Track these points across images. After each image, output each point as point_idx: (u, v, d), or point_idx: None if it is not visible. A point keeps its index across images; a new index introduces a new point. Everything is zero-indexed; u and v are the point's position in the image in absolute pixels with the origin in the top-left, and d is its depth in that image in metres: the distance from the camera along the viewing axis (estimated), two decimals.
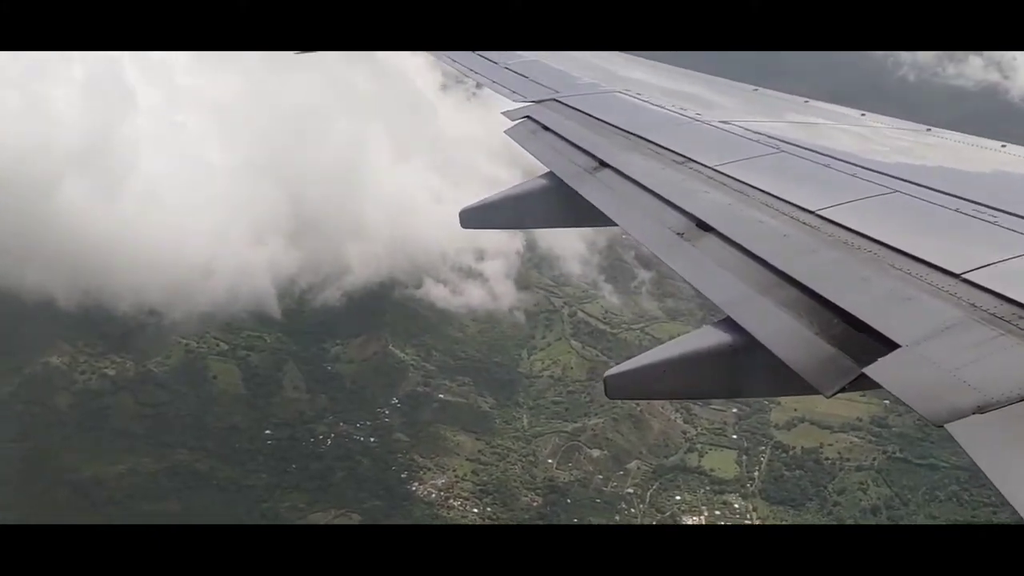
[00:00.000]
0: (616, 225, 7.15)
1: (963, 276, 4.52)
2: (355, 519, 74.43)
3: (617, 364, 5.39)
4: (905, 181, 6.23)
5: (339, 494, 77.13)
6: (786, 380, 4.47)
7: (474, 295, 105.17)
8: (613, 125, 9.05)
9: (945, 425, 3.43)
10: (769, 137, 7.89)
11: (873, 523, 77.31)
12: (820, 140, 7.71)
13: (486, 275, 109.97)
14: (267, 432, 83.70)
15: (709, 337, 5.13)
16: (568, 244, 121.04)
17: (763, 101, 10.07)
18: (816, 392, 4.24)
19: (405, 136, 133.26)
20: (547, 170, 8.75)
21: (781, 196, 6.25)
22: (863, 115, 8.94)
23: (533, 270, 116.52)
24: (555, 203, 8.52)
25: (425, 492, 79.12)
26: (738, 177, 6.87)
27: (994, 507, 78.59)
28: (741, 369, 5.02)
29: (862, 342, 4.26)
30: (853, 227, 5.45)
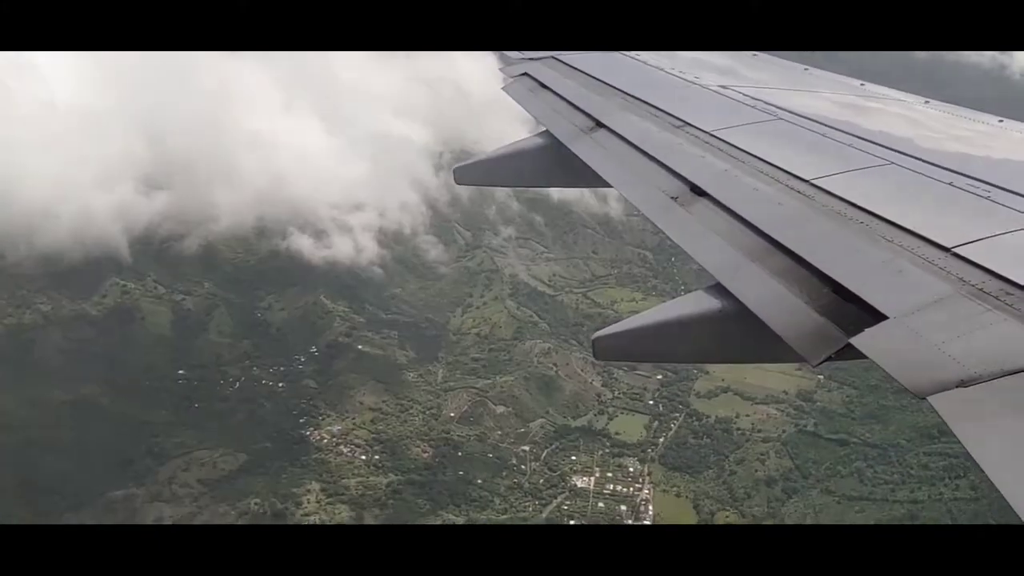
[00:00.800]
0: (610, 186, 7.16)
1: (953, 250, 4.51)
2: (240, 458, 76.47)
3: (607, 328, 5.32)
4: (901, 153, 6.20)
5: (232, 435, 79.07)
6: (773, 347, 4.51)
7: (343, 248, 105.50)
8: (611, 85, 8.98)
9: (927, 397, 3.47)
10: (767, 104, 7.83)
11: (798, 522, 75.81)
12: (818, 109, 7.67)
13: (365, 228, 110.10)
14: (180, 372, 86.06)
15: (699, 302, 5.16)
16: (538, 203, 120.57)
17: (763, 67, 9.94)
18: (803, 360, 4.29)
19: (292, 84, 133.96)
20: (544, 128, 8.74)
21: (776, 164, 6.24)
22: (863, 85, 8.88)
23: (488, 231, 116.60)
24: (550, 162, 8.54)
25: (318, 438, 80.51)
26: (734, 143, 6.85)
27: (893, 485, 76.58)
28: (729, 335, 5.05)
29: (850, 312, 4.29)
30: (847, 197, 5.45)
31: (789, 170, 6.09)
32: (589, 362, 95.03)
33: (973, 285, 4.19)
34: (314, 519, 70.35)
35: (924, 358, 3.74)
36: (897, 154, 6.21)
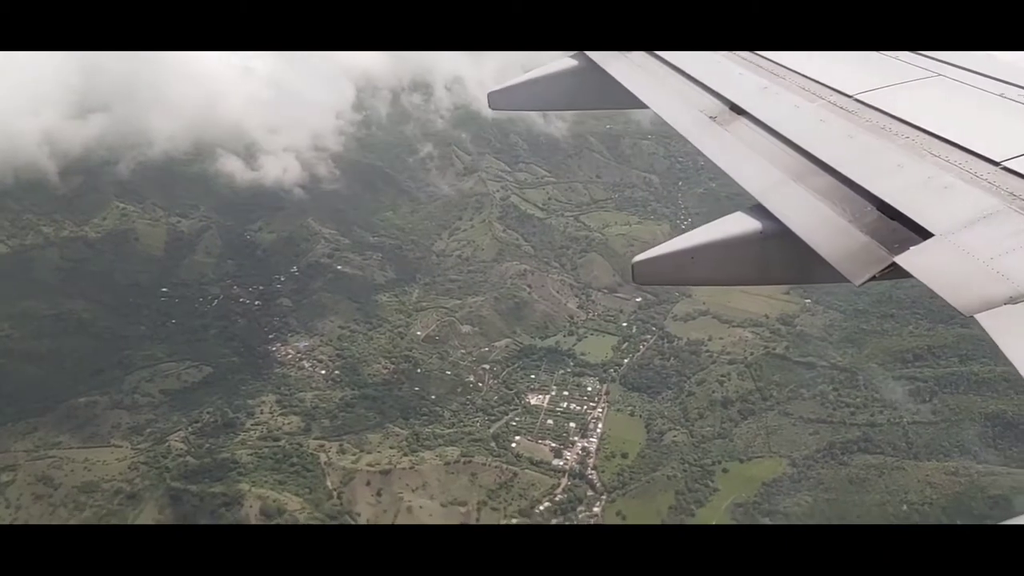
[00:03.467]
0: (646, 107, 7.01)
1: (1003, 164, 4.37)
2: (205, 371, 79.63)
3: (647, 251, 5.32)
4: (948, 64, 5.93)
5: (202, 348, 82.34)
6: (816, 268, 4.49)
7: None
8: None
9: (975, 315, 3.42)
10: None
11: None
12: None
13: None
14: (163, 290, 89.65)
15: (739, 223, 5.10)
16: (546, 126, 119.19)
17: None
18: (845, 280, 4.25)
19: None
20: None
21: (818, 79, 6.08)
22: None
23: (488, 154, 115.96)
24: (585, 84, 8.43)
25: (283, 353, 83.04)
26: (774, 59, 6.64)
27: (854, 408, 74.31)
28: (770, 256, 5.02)
29: (895, 230, 4.23)
30: (891, 112, 5.31)
31: (831, 85, 5.91)
32: (567, 284, 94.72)
33: None
34: (263, 428, 72.81)
35: (972, 275, 3.65)
36: (945, 65, 5.92)
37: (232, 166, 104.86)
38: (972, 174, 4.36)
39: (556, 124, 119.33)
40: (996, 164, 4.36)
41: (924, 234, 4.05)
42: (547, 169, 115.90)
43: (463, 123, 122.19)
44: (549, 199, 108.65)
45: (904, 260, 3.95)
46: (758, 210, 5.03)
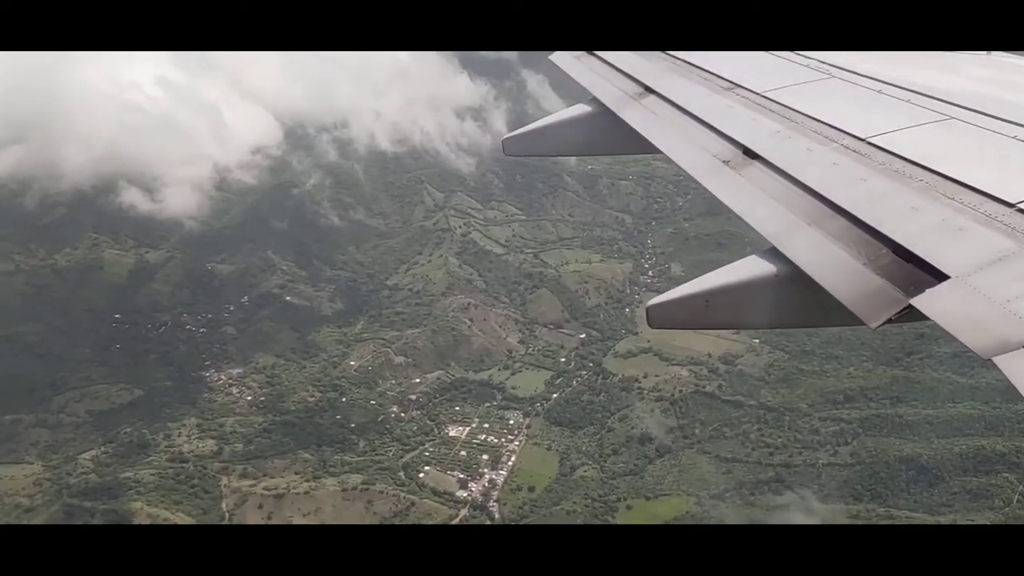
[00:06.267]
0: (659, 152, 7.02)
1: (1018, 206, 4.37)
2: (135, 393, 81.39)
3: (661, 295, 5.30)
4: (962, 107, 5.95)
5: (138, 372, 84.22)
6: (831, 311, 4.47)
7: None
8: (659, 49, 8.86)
9: (993, 358, 3.40)
10: (820, 62, 7.66)
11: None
12: (873, 64, 7.37)
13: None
14: (116, 316, 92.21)
15: (753, 267, 5.09)
16: (525, 164, 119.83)
17: None
18: (861, 323, 4.21)
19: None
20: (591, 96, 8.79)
21: (831, 123, 6.10)
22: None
23: (460, 192, 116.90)
24: (599, 130, 8.51)
25: (215, 379, 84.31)
26: (787, 103, 6.71)
27: (773, 449, 72.00)
28: (785, 299, 4.98)
29: (910, 273, 4.21)
30: (905, 155, 5.31)
31: (844, 128, 5.94)
32: (511, 319, 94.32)
33: None
34: (177, 450, 73.84)
35: (988, 318, 3.63)
36: (958, 108, 5.93)
37: (185, 200, 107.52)
38: (987, 216, 4.34)
39: (533, 162, 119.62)
40: (1011, 206, 4.34)
41: (940, 276, 4.00)
42: (519, 207, 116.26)
43: (438, 162, 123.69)
44: (513, 236, 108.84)
45: (920, 302, 3.89)
46: (772, 253, 5.00)
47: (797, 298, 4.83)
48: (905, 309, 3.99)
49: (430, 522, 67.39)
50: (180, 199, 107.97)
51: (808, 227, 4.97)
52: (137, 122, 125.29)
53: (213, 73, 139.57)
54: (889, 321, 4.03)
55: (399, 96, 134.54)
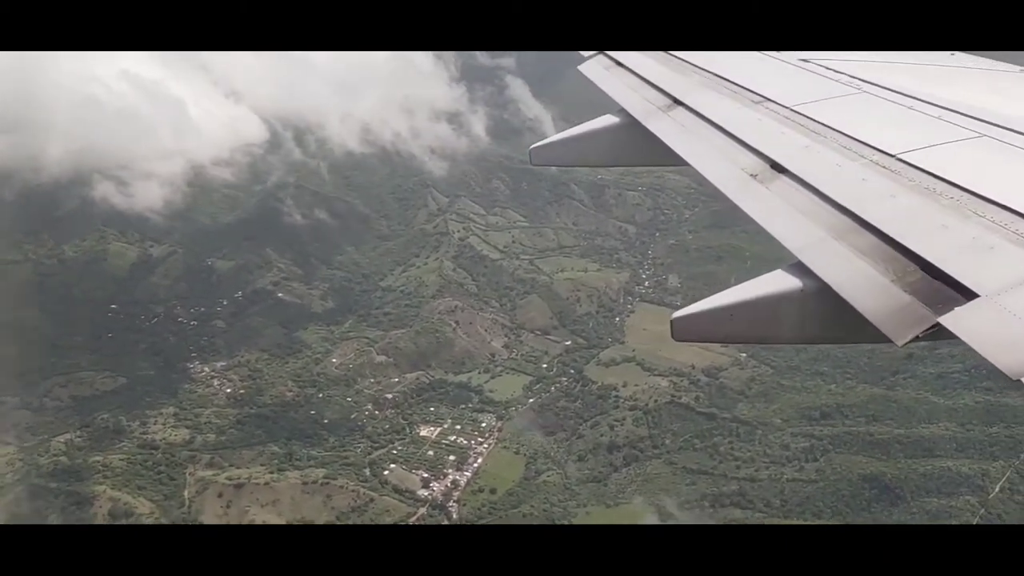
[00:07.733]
0: (686, 164, 7.03)
1: None
2: (119, 381, 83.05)
3: (686, 308, 5.21)
4: (993, 125, 5.90)
5: (125, 361, 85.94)
6: (858, 328, 4.44)
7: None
8: (688, 62, 8.89)
9: (1022, 378, 3.37)
10: (850, 76, 7.61)
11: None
12: (904, 80, 7.28)
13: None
14: (112, 307, 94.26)
15: (779, 282, 5.05)
16: (534, 172, 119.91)
17: None
18: (888, 340, 4.16)
19: None
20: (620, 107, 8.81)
21: (860, 138, 6.05)
22: (952, 55, 8.41)
23: (464, 196, 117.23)
24: (626, 141, 8.55)
25: (199, 371, 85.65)
26: (816, 117, 6.67)
27: (740, 462, 70.83)
28: (810, 315, 4.95)
29: (939, 290, 4.17)
30: (935, 172, 5.25)
31: (874, 144, 5.89)
32: (498, 323, 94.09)
33: None
34: (150, 438, 75.10)
35: (1018, 337, 3.60)
36: (990, 125, 5.90)
37: (195, 197, 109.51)
38: (1018, 235, 4.30)
39: (540, 169, 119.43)
40: None
41: (969, 295, 3.96)
42: (523, 214, 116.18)
43: (447, 164, 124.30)
44: (512, 242, 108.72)
45: (948, 321, 3.86)
46: (798, 268, 4.96)
47: (823, 313, 4.78)
48: (933, 327, 3.93)
49: (387, 519, 67.41)
50: (188, 196, 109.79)
51: (835, 242, 4.94)
52: (150, 116, 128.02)
53: (213, 73, 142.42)
54: (916, 339, 3.98)
55: (399, 96, 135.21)
